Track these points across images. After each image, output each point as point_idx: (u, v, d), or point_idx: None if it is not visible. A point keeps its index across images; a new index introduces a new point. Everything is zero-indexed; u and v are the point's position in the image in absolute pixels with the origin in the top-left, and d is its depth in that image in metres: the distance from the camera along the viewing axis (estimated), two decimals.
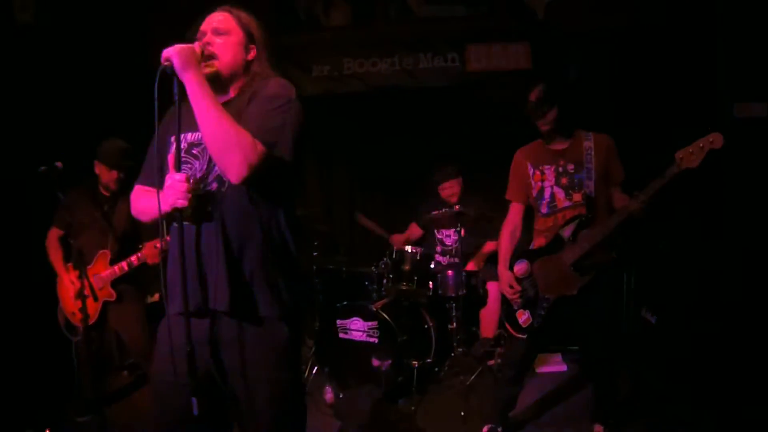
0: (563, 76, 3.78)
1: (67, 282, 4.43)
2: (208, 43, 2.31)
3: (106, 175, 4.45)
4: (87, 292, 4.27)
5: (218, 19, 2.39)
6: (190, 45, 2.18)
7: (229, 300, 2.22)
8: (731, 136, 3.28)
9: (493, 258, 5.59)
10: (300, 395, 2.49)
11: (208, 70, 2.27)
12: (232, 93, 2.41)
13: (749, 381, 3.67)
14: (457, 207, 5.21)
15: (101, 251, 4.44)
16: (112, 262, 4.42)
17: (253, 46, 2.43)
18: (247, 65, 2.42)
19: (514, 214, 3.88)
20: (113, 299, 4.44)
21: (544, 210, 3.67)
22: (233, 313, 2.25)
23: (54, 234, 4.56)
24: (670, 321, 4.40)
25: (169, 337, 2.16)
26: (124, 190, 4.48)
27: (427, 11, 6.54)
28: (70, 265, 4.48)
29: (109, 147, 4.44)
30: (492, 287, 5.46)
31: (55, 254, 4.53)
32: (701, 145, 3.17)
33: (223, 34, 2.36)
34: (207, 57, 2.28)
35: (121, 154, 4.43)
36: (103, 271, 4.41)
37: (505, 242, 3.86)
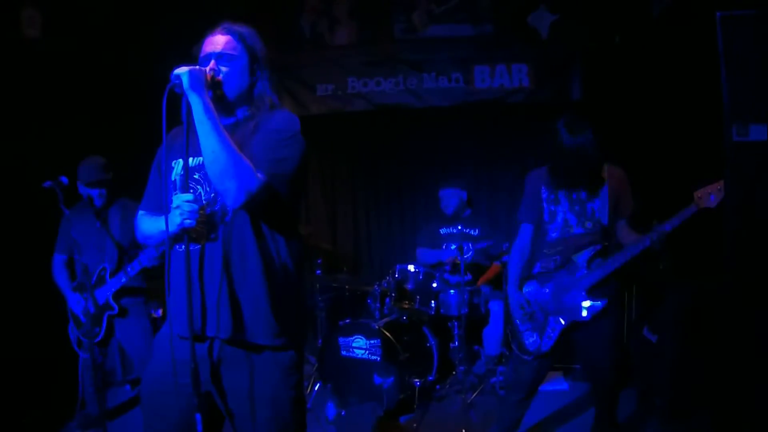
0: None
1: (74, 303, 4.46)
2: (215, 71, 2.30)
3: (89, 194, 4.47)
4: (93, 308, 4.32)
5: (222, 43, 2.37)
6: (201, 68, 2.21)
7: (230, 328, 2.25)
8: (733, 156, 3.31)
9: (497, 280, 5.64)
10: (301, 414, 2.48)
11: (215, 93, 2.28)
12: (237, 114, 2.43)
13: (751, 399, 3.66)
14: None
15: (101, 267, 4.47)
16: (112, 275, 4.44)
17: (256, 67, 2.43)
18: (252, 86, 2.43)
19: (525, 234, 3.83)
20: (116, 313, 4.46)
21: (554, 234, 3.67)
22: (235, 341, 2.28)
23: (58, 260, 4.60)
24: (672, 340, 4.39)
25: (172, 351, 2.17)
26: (111, 203, 4.53)
27: (431, 31, 6.58)
28: (76, 285, 4.52)
29: (86, 165, 4.44)
30: (494, 307, 5.48)
31: (60, 278, 4.57)
32: (719, 187, 3.20)
33: (228, 61, 2.35)
34: (214, 83, 2.28)
35: (99, 169, 4.43)
36: (104, 286, 4.43)
37: (515, 263, 3.83)
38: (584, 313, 3.52)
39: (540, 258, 3.75)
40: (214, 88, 2.27)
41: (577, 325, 3.57)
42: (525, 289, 3.72)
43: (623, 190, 3.66)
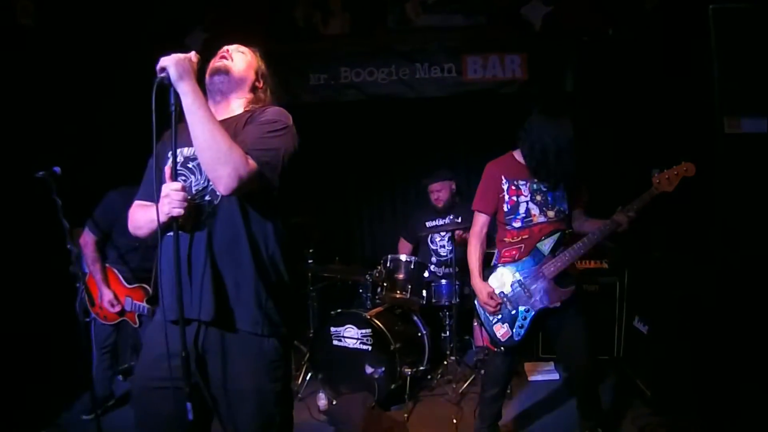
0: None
1: (107, 298, 4.44)
2: (227, 49, 2.52)
3: None
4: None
5: (239, 45, 2.60)
6: (186, 54, 2.20)
7: (212, 309, 2.25)
8: (724, 148, 3.35)
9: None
10: (287, 407, 2.47)
11: (220, 64, 2.46)
12: (234, 109, 2.50)
13: (740, 390, 3.70)
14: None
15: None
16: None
17: (262, 80, 2.61)
18: (254, 87, 2.57)
19: (482, 225, 3.85)
20: (136, 325, 4.51)
21: (516, 224, 3.69)
22: (217, 323, 2.27)
23: (91, 240, 4.47)
24: (663, 330, 4.42)
25: (167, 343, 2.17)
26: None
27: (424, 21, 6.56)
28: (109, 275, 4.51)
29: None
30: None
31: (94, 266, 4.47)
32: (676, 172, 3.37)
33: (241, 53, 2.57)
34: (221, 59, 2.47)
35: None
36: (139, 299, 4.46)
37: (475, 254, 3.84)
38: (554, 301, 3.58)
39: (503, 248, 3.77)
40: (219, 62, 2.48)
41: (548, 313, 3.62)
42: (490, 281, 3.73)
43: (579, 180, 3.74)
